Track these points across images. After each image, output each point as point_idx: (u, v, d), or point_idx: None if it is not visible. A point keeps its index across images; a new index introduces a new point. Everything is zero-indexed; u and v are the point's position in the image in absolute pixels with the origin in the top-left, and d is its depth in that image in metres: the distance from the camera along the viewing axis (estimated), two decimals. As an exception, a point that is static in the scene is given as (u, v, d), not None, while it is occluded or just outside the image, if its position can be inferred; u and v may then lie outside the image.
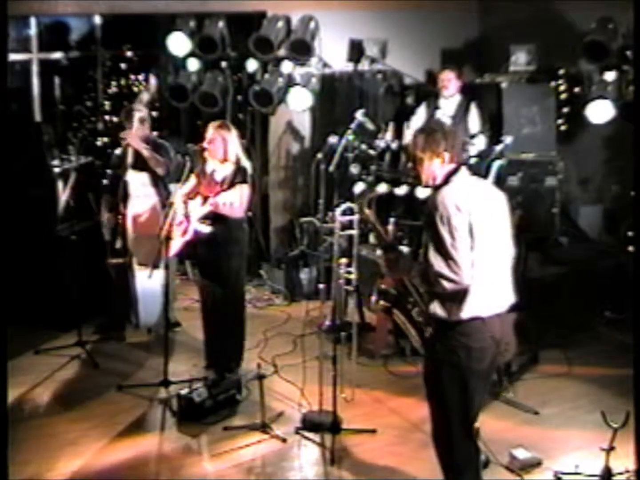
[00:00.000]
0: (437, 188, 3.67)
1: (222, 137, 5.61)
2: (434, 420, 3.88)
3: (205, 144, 5.63)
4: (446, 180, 3.65)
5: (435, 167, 3.66)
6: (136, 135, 6.13)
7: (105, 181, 6.51)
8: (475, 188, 3.70)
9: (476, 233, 3.55)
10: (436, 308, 3.65)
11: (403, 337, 6.23)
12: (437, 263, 3.52)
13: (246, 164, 5.72)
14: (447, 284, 3.52)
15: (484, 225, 3.60)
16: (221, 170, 5.67)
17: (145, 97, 6.33)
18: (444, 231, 3.49)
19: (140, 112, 6.22)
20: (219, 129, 5.62)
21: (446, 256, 3.50)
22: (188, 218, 5.63)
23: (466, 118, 7.26)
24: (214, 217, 5.59)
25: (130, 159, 6.19)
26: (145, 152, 6.13)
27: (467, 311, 3.62)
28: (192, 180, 5.76)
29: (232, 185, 5.56)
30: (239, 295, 5.88)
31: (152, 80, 6.93)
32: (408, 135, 7.36)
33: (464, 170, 3.70)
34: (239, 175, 5.63)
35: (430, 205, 3.59)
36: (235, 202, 5.52)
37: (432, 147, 3.64)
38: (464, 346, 3.64)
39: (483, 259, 3.61)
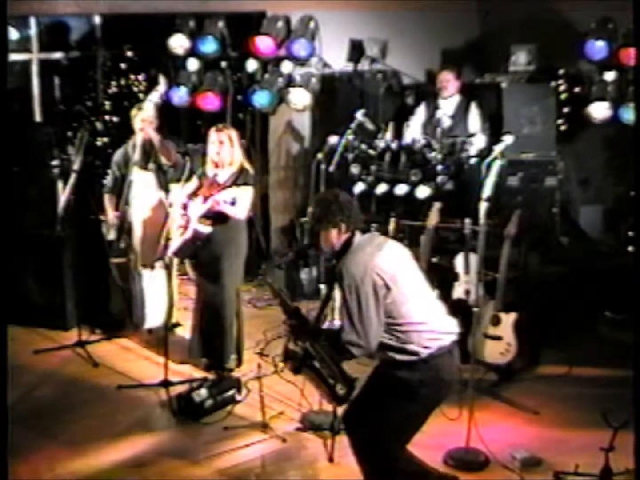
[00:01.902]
0: (338, 257, 3.80)
1: (228, 138, 5.62)
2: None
3: (213, 153, 5.62)
4: (345, 247, 3.79)
5: (332, 236, 3.80)
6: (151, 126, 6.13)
7: (107, 180, 6.51)
8: (374, 245, 3.82)
9: (392, 285, 3.67)
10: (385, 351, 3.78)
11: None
12: (347, 330, 3.65)
13: (249, 167, 5.73)
14: (356, 351, 3.69)
15: (398, 274, 3.73)
16: (224, 172, 5.67)
17: (158, 93, 6.34)
18: (352, 301, 3.63)
19: (155, 103, 6.22)
20: (223, 131, 5.63)
21: (355, 325, 3.63)
22: (188, 217, 5.63)
23: (466, 118, 7.26)
24: (214, 217, 5.59)
25: (137, 156, 6.17)
26: (157, 142, 6.13)
27: (410, 352, 3.73)
28: (194, 180, 5.76)
29: (234, 186, 5.56)
30: (232, 296, 5.85)
31: (162, 80, 6.94)
32: (408, 135, 7.37)
33: (358, 234, 3.84)
34: (242, 177, 5.63)
35: (337, 275, 3.73)
36: (239, 201, 5.52)
37: (328, 218, 3.78)
38: (408, 381, 3.75)
39: (412, 303, 3.74)
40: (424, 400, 3.79)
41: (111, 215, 6.34)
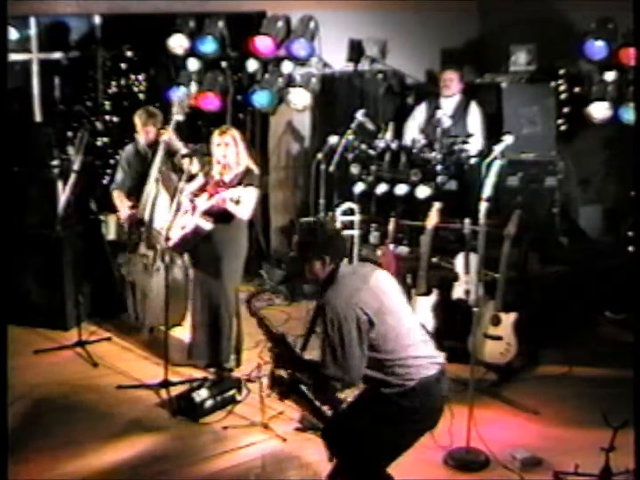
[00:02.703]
0: (322, 289, 3.74)
1: (233, 139, 5.64)
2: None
3: (219, 156, 5.64)
4: (330, 279, 3.73)
5: (316, 268, 3.74)
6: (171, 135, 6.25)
7: (117, 177, 6.53)
8: (359, 277, 3.77)
9: (376, 320, 3.62)
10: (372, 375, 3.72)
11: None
12: (329, 365, 3.60)
13: (254, 167, 5.75)
14: (338, 385, 3.67)
15: (383, 308, 3.68)
16: (231, 172, 5.68)
17: (181, 106, 6.46)
18: (334, 336, 3.57)
19: (178, 116, 6.31)
20: (227, 133, 5.66)
21: (337, 360, 3.57)
22: (191, 212, 5.66)
23: (465, 117, 7.26)
24: (217, 215, 5.60)
25: (159, 160, 6.22)
26: (180, 146, 6.23)
27: (395, 385, 3.68)
28: (200, 178, 5.78)
29: (240, 186, 5.58)
30: (232, 296, 5.85)
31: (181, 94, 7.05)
32: (407, 135, 7.37)
33: (343, 265, 3.78)
34: (247, 178, 5.65)
35: (320, 309, 3.69)
36: (243, 201, 5.53)
37: (312, 250, 3.73)
38: (394, 407, 3.70)
39: (397, 337, 3.69)
40: (408, 426, 3.74)
41: (126, 211, 6.37)
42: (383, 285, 3.79)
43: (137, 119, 6.50)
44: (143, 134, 6.47)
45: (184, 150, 6.18)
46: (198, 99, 7.71)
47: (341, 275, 3.72)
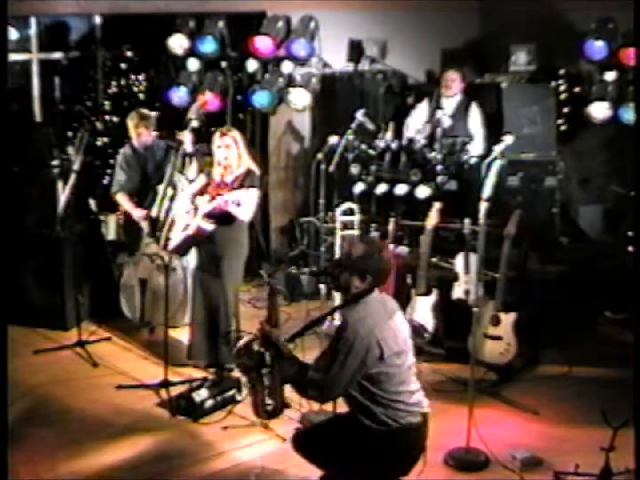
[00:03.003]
0: (348, 302, 3.69)
1: (234, 141, 5.64)
2: None
3: (221, 157, 5.64)
4: (360, 296, 3.65)
5: (354, 283, 3.67)
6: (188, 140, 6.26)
7: (120, 179, 6.52)
8: (387, 310, 3.71)
9: (387, 359, 3.58)
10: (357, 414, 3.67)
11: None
12: (317, 370, 3.56)
13: (255, 168, 5.76)
14: (311, 392, 3.61)
15: (395, 349, 3.63)
16: (232, 173, 5.68)
17: (195, 109, 6.49)
18: (341, 353, 3.52)
19: (193, 121, 6.35)
20: (227, 135, 5.66)
21: (329, 372, 3.53)
22: (193, 213, 5.66)
23: (466, 117, 7.26)
24: (219, 217, 5.60)
25: (178, 163, 6.25)
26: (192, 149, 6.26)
27: (380, 422, 3.64)
28: (202, 179, 5.79)
29: (241, 187, 5.58)
30: (230, 295, 5.84)
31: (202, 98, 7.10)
32: (408, 135, 7.36)
33: (375, 293, 3.69)
34: (248, 179, 5.65)
35: (341, 325, 3.62)
36: (245, 203, 5.53)
37: (359, 267, 3.64)
38: (372, 445, 3.67)
39: (398, 381, 3.66)
40: (376, 464, 3.68)
41: (139, 212, 6.40)
42: (402, 326, 3.75)
43: (129, 122, 6.54)
44: (135, 136, 6.49)
45: (188, 149, 6.19)
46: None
47: (370, 299, 3.67)
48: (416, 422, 3.71)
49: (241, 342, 3.80)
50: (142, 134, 6.47)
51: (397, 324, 3.71)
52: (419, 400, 3.77)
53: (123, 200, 6.55)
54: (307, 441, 3.90)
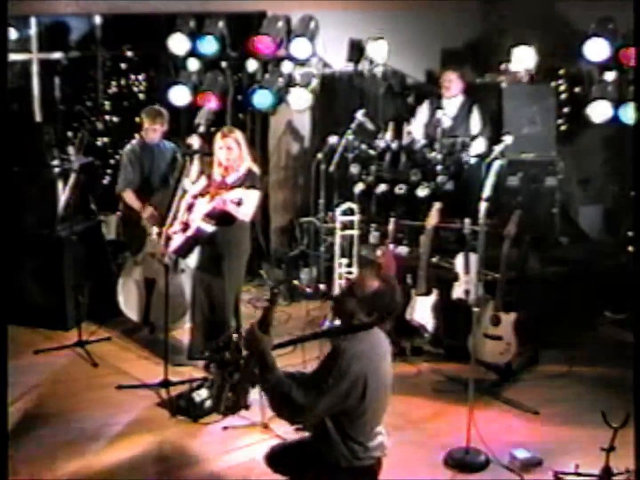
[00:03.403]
0: (346, 331, 3.49)
1: (235, 142, 5.64)
2: None
3: (223, 158, 5.65)
4: (359, 328, 3.47)
5: (357, 315, 3.46)
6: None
7: (127, 176, 6.51)
8: (382, 350, 3.56)
9: (368, 398, 3.41)
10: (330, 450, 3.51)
11: (403, 338, 6.26)
12: (301, 391, 3.34)
13: (256, 169, 5.76)
14: (287, 411, 3.41)
15: (379, 392, 3.50)
16: (233, 174, 5.68)
17: (204, 113, 6.52)
18: (328, 383, 3.32)
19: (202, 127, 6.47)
20: (229, 136, 5.66)
21: (312, 397, 3.33)
22: (190, 216, 5.66)
23: (468, 119, 7.25)
24: (219, 217, 5.60)
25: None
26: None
27: (340, 454, 3.50)
28: (203, 181, 5.79)
29: (242, 187, 5.58)
30: (231, 296, 5.86)
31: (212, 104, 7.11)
32: (408, 135, 7.36)
33: (376, 329, 3.53)
34: (249, 180, 5.65)
35: (336, 354, 3.38)
36: (245, 203, 5.54)
37: (367, 304, 3.45)
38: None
39: (372, 421, 3.53)
40: None
41: (147, 210, 6.36)
42: (388, 369, 3.61)
43: (145, 117, 6.51)
44: (150, 132, 6.48)
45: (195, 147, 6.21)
46: (198, 99, 7.72)
47: (370, 334, 3.49)
48: (373, 464, 3.58)
49: (224, 338, 3.66)
50: (157, 130, 6.48)
51: (387, 368, 3.57)
52: (380, 443, 3.61)
53: (130, 197, 6.51)
54: (275, 459, 3.80)
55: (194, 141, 6.21)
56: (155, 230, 6.19)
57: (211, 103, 7.02)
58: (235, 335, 3.64)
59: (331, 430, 3.45)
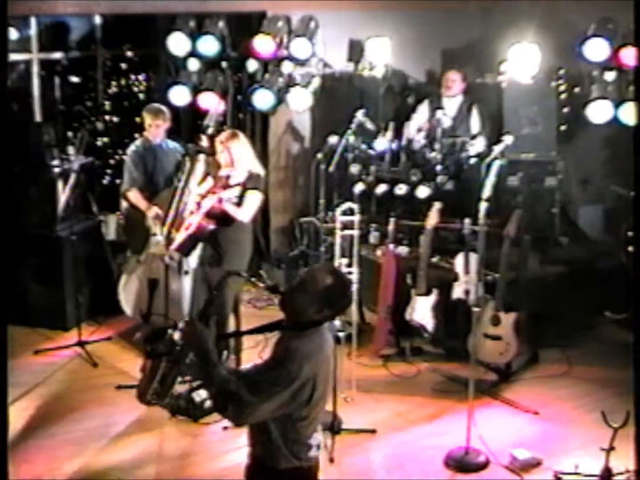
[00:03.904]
0: (292, 328, 3.34)
1: (237, 143, 5.70)
2: None
3: (224, 161, 5.69)
4: (306, 327, 3.30)
5: (307, 311, 3.27)
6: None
7: (132, 176, 6.49)
8: (327, 349, 3.39)
9: (315, 395, 3.27)
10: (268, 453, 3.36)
11: (403, 338, 6.27)
12: (249, 389, 3.13)
13: (260, 171, 5.77)
14: (233, 410, 3.16)
15: (324, 393, 3.37)
16: (236, 176, 5.71)
17: (212, 115, 6.55)
18: (277, 383, 3.14)
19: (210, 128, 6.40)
20: (232, 137, 5.70)
21: (261, 396, 3.13)
22: (196, 213, 5.68)
23: (468, 119, 7.25)
24: (218, 217, 5.61)
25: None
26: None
27: (282, 455, 3.35)
28: (209, 181, 5.84)
29: (243, 188, 5.61)
30: (231, 295, 5.85)
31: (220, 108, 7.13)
32: (408, 135, 7.36)
33: (325, 325, 3.38)
34: (252, 181, 5.68)
35: (287, 353, 3.22)
36: (244, 205, 5.55)
37: (323, 298, 3.28)
38: None
39: (317, 418, 3.41)
40: None
41: (153, 211, 6.32)
42: (331, 370, 3.47)
43: (147, 114, 6.50)
44: (154, 128, 6.47)
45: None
46: (198, 99, 7.72)
47: (318, 332, 3.31)
48: (312, 465, 3.45)
49: (155, 328, 3.49)
50: (160, 125, 6.47)
51: (331, 368, 3.44)
52: (319, 442, 3.47)
53: (136, 197, 6.46)
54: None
55: (203, 142, 6.21)
56: (159, 230, 6.19)
57: (219, 105, 7.03)
58: (171, 328, 3.41)
59: (273, 433, 3.29)
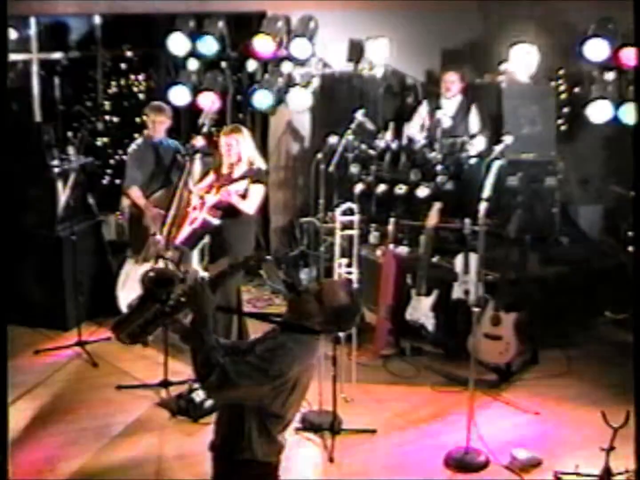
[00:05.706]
0: (290, 322, 3.37)
1: (236, 140, 5.74)
2: None
3: (226, 156, 5.75)
4: (307, 333, 3.32)
5: (314, 318, 3.29)
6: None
7: (134, 174, 6.49)
8: (318, 349, 3.44)
9: (293, 397, 3.30)
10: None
11: (403, 338, 6.27)
12: (236, 366, 3.15)
13: (262, 164, 5.85)
14: (214, 381, 3.12)
15: (306, 385, 3.39)
16: (238, 170, 5.76)
17: (208, 113, 6.57)
18: (270, 372, 3.17)
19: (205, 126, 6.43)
20: (233, 133, 5.77)
21: (245, 376, 3.14)
22: (200, 208, 5.71)
23: (467, 119, 7.25)
24: (225, 209, 5.65)
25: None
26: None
27: (259, 447, 3.33)
28: (211, 176, 5.92)
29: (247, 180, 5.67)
30: (232, 292, 5.86)
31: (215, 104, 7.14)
32: (408, 135, 7.36)
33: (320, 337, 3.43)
34: (254, 174, 5.74)
35: (283, 349, 3.23)
36: (249, 197, 5.59)
37: (333, 315, 3.30)
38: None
39: (294, 415, 3.43)
40: None
41: (153, 210, 6.34)
42: (313, 376, 3.48)
43: (150, 111, 6.53)
44: (157, 125, 6.48)
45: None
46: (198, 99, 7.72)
47: (314, 340, 3.36)
48: (278, 462, 3.45)
49: (165, 273, 3.43)
50: (163, 122, 6.49)
51: (313, 374, 3.45)
52: (285, 440, 3.46)
53: (137, 195, 6.47)
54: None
55: (198, 142, 6.22)
56: (159, 229, 6.20)
57: (215, 104, 7.03)
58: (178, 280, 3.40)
59: (248, 424, 3.27)
